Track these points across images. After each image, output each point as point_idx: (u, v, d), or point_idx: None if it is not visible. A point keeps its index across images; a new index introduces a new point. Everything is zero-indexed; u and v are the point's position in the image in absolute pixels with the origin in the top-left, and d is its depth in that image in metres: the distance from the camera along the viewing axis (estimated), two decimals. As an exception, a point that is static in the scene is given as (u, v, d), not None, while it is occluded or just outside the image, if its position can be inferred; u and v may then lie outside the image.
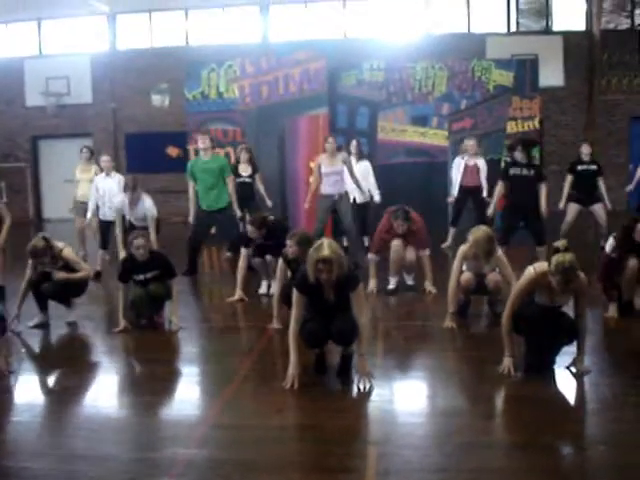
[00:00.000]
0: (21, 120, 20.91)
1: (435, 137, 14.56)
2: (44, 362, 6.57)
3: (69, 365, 6.49)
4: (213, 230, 11.08)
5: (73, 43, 21.12)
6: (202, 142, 10.37)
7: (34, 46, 21.43)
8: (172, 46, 20.68)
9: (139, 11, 20.88)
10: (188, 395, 5.65)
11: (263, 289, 9.02)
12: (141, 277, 7.57)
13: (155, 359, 6.62)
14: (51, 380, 6.10)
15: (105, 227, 10.48)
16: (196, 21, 21.05)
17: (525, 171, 9.99)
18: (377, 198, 12.03)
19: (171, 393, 5.68)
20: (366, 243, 11.64)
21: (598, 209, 11.54)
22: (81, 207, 11.41)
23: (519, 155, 10.09)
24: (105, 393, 5.68)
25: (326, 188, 10.36)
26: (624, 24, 19.81)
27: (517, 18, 20.15)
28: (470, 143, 12.16)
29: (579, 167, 11.69)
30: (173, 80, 19.04)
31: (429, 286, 8.92)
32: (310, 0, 20.31)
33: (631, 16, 19.71)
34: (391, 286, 8.98)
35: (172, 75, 19.05)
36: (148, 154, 20.28)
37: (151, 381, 5.99)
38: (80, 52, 20.91)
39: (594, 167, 11.58)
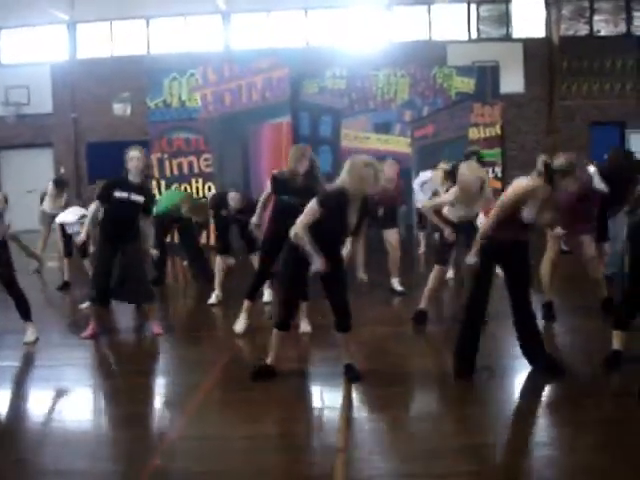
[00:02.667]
0: (-20, 131, 20.66)
1: (398, 144, 14.62)
2: (9, 376, 6.47)
3: (33, 378, 6.42)
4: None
5: (33, 52, 20.89)
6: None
7: (-7, 55, 21.20)
8: (133, 55, 20.54)
9: (100, 20, 20.72)
10: (155, 407, 5.60)
11: (213, 299, 9.02)
12: (125, 195, 7.25)
13: (121, 371, 6.59)
14: (16, 394, 5.98)
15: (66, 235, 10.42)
16: (157, 29, 20.94)
17: None
18: None
19: (138, 405, 5.60)
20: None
21: None
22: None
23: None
24: (72, 407, 5.61)
25: None
26: (583, 30, 20.10)
27: (477, 25, 20.35)
28: (444, 167, 12.04)
29: None
30: (135, 89, 18.94)
31: (396, 284, 9.20)
32: (272, 8, 20.32)
33: (590, 22, 20.01)
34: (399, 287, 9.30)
35: (134, 84, 18.94)
36: (110, 163, 20.06)
37: (118, 393, 5.93)
38: (40, 61, 20.69)
39: None
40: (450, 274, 9.74)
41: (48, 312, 8.76)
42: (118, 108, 20.16)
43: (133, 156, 7.33)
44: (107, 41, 20.97)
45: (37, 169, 12.89)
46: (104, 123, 20.24)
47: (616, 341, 5.79)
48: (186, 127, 14.45)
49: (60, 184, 12.15)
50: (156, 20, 20.84)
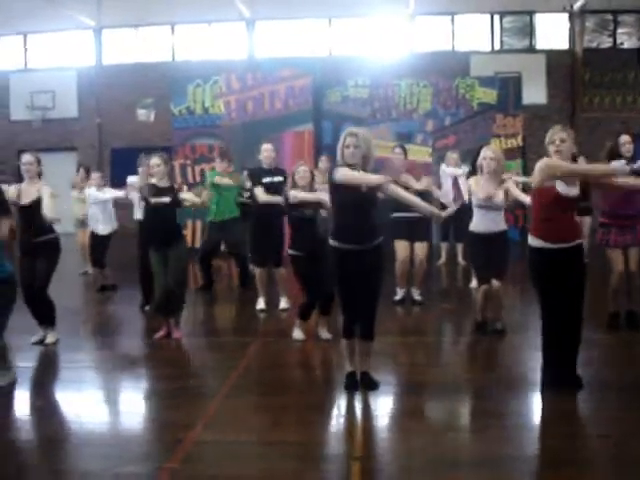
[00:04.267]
0: (6, 134, 20.83)
1: (419, 153, 14.63)
2: (28, 377, 6.51)
3: (52, 380, 6.50)
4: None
5: (59, 57, 21.15)
6: (219, 166, 10.43)
7: (19, 60, 21.43)
8: (158, 61, 20.74)
9: (125, 26, 20.94)
10: (171, 411, 5.61)
11: (261, 305, 9.04)
12: (152, 200, 7.45)
13: (139, 374, 6.63)
14: (34, 396, 6.03)
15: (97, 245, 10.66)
16: (182, 36, 21.13)
17: None
18: None
19: (155, 408, 5.69)
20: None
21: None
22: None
23: None
24: (88, 408, 5.66)
25: None
26: (606, 43, 20.06)
27: (501, 36, 20.35)
28: (453, 156, 12.08)
29: None
30: (159, 95, 19.04)
31: (416, 295, 9.12)
32: (296, 17, 20.42)
33: (613, 35, 19.96)
34: (398, 297, 9.12)
35: (158, 90, 19.06)
36: (133, 169, 20.16)
37: (134, 396, 6.00)
38: (66, 66, 20.95)
39: None
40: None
41: (70, 313, 8.82)
42: (142, 114, 20.25)
43: (154, 164, 7.53)
44: (132, 47, 21.16)
45: (61, 173, 13.00)
46: (128, 129, 20.37)
47: None
48: (209, 134, 14.58)
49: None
50: (181, 27, 21.02)
